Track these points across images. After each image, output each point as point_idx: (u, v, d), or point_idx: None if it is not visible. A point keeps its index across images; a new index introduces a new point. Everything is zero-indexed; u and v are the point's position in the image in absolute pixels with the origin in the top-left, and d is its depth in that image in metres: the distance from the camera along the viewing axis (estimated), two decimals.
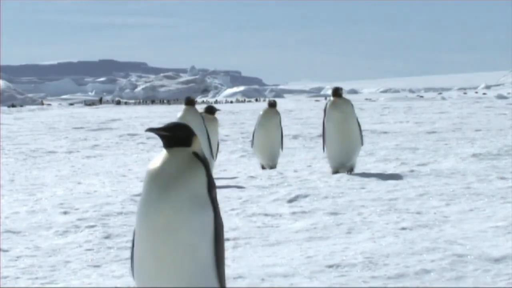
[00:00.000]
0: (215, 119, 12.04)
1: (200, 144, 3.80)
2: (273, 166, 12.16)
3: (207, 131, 10.26)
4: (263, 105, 56.71)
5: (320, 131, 22.03)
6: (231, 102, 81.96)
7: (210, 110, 12.14)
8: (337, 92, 10.50)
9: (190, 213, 3.61)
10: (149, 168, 3.72)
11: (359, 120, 10.65)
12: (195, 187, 3.64)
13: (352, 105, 10.52)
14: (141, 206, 3.67)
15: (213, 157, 10.46)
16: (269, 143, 12.32)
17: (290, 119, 27.67)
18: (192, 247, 3.61)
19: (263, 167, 12.23)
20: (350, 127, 10.33)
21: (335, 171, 10.28)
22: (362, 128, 10.77)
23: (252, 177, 10.59)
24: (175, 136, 3.74)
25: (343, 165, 10.29)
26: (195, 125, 10.17)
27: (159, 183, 3.64)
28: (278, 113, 12.58)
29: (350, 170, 10.28)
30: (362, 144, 10.51)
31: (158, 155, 3.77)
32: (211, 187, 3.69)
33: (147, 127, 3.90)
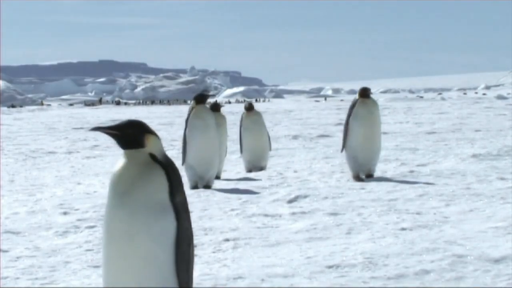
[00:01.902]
0: (222, 116, 11.47)
1: (156, 142, 3.66)
2: (263, 168, 11.96)
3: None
4: (263, 105, 56.43)
5: (320, 131, 22.13)
6: (230, 102, 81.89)
7: (215, 107, 11.46)
8: (365, 93, 10.12)
9: (147, 219, 3.52)
10: (112, 172, 3.68)
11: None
12: (153, 193, 3.55)
13: (378, 107, 10.25)
14: (105, 212, 3.64)
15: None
16: (258, 145, 12.12)
17: (290, 120, 27.51)
18: (149, 254, 3.54)
19: (250, 171, 11.94)
20: (377, 130, 10.01)
21: (356, 175, 9.76)
22: None
23: (252, 177, 10.58)
24: (125, 135, 3.64)
25: (363, 169, 9.82)
26: (208, 125, 9.84)
27: (118, 188, 3.58)
28: (259, 114, 12.43)
29: (369, 175, 9.81)
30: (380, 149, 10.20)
31: (120, 157, 3.70)
32: (175, 191, 3.58)
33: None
